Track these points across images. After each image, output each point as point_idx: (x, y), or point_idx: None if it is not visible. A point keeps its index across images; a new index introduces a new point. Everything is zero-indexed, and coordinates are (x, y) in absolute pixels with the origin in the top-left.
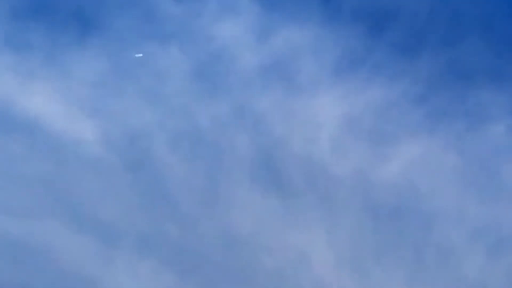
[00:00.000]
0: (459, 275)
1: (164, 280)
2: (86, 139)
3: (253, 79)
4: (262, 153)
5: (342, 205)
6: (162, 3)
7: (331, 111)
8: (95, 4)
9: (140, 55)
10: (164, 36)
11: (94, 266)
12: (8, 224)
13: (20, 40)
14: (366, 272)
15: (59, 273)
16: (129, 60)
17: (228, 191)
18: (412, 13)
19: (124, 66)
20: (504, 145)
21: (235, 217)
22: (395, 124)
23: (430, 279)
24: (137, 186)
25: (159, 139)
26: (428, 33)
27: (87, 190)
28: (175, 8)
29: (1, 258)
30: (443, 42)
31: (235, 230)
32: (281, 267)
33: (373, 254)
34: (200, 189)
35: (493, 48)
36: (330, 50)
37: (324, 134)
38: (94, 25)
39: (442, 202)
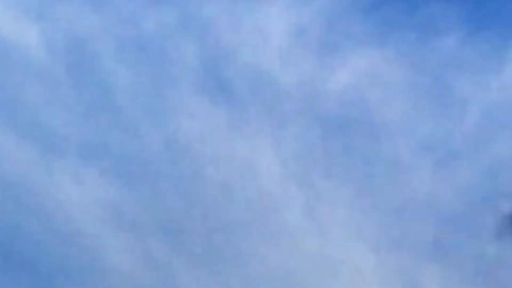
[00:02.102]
0: (408, 188)
1: (108, 188)
2: (30, 44)
3: None
4: (209, 62)
5: (290, 116)
6: None
7: (279, 20)
8: None
9: None
10: None
11: (37, 173)
12: None
13: None
14: (314, 184)
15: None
16: None
17: (173, 99)
18: None
19: None
20: (454, 58)
21: (180, 126)
22: (344, 34)
23: (378, 192)
24: (81, 92)
25: (104, 45)
26: None
27: (30, 96)
28: None
29: None
30: None
31: (180, 140)
32: (226, 177)
33: (321, 166)
34: (145, 97)
35: None
36: None
37: (272, 43)
38: None
39: (391, 115)
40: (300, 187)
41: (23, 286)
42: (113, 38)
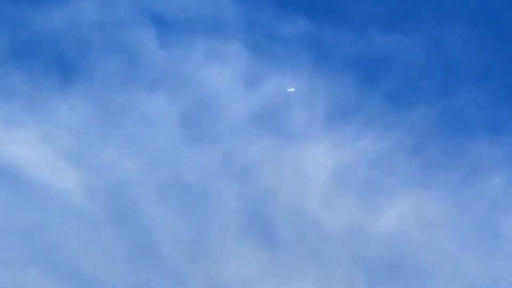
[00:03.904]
0: None
1: None
2: (70, 188)
3: (242, 127)
4: (251, 204)
5: (334, 258)
6: (148, 48)
7: (322, 162)
8: (79, 48)
9: (292, 89)
10: (150, 82)
11: None
12: None
13: (0, 86)
14: None
15: None
16: (114, 106)
17: (216, 242)
18: (407, 62)
19: (109, 112)
20: (501, 198)
21: (224, 269)
22: (388, 176)
23: None
24: (122, 237)
25: (145, 189)
26: (423, 83)
27: (70, 241)
28: (161, 53)
29: None
30: (438, 92)
31: (223, 283)
32: None
33: None
34: (188, 240)
35: (490, 98)
36: (321, 99)
37: (315, 185)
38: (78, 70)
39: (438, 257)
40: None
41: None
42: (153, 181)
